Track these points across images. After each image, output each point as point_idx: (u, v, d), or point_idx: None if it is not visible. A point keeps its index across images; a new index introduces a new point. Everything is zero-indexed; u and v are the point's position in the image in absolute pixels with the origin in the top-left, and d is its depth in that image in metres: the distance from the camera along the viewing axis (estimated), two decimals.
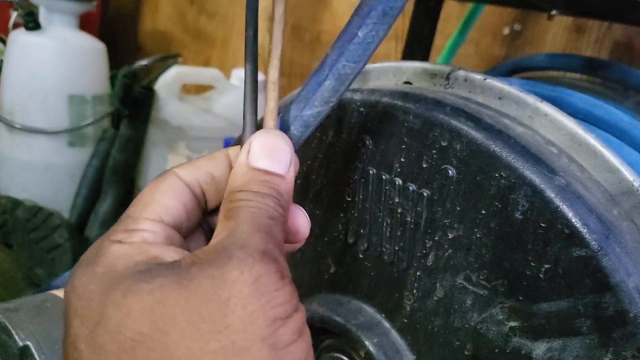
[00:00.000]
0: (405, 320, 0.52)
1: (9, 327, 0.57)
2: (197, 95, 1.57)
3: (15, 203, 1.39)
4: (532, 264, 0.44)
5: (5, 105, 1.53)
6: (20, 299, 0.66)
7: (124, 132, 1.45)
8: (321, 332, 0.56)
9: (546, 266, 0.43)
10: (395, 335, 0.52)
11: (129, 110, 1.39)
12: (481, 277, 0.47)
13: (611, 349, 0.41)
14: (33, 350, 0.56)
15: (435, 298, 0.49)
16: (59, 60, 1.41)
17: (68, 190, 1.56)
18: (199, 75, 1.50)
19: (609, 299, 0.41)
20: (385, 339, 0.52)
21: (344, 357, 0.55)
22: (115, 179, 1.49)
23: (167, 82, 1.42)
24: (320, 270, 0.57)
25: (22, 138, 1.50)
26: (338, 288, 0.56)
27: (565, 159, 0.47)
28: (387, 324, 0.53)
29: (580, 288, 0.42)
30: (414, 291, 0.51)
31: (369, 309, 0.54)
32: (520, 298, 0.45)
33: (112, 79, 1.51)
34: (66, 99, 1.47)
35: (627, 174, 0.46)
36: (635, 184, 0.46)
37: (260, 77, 1.45)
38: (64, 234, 1.27)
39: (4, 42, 1.54)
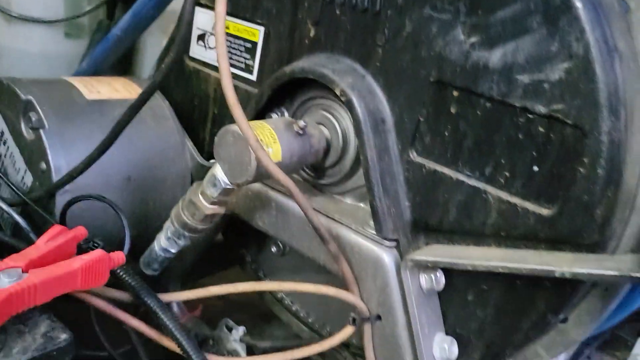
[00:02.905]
0: (378, 64, 0.56)
1: (12, 85, 0.62)
2: None
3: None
4: None
5: None
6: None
7: (119, 18, 1.47)
8: (299, 87, 0.61)
9: None
10: (369, 79, 0.57)
11: None
12: (445, 2, 0.51)
13: (557, 36, 0.45)
14: (35, 103, 0.60)
15: (404, 34, 0.54)
16: None
17: None
18: None
19: None
20: (359, 81, 0.56)
21: (324, 113, 0.60)
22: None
23: None
24: (302, 36, 0.62)
25: (20, 28, 1.52)
26: (318, 48, 0.60)
27: None
28: (362, 70, 0.57)
29: None
30: (386, 31, 0.55)
31: (346, 60, 0.58)
32: (480, 12, 0.49)
33: None
34: None
35: None
36: None
37: None
38: None
39: None
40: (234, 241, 0.79)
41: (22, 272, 0.42)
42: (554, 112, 0.46)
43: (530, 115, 0.48)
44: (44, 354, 0.40)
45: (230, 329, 0.69)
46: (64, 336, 0.42)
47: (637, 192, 0.47)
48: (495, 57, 0.49)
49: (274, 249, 0.73)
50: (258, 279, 0.78)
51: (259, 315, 0.86)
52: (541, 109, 0.47)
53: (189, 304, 0.79)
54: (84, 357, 0.66)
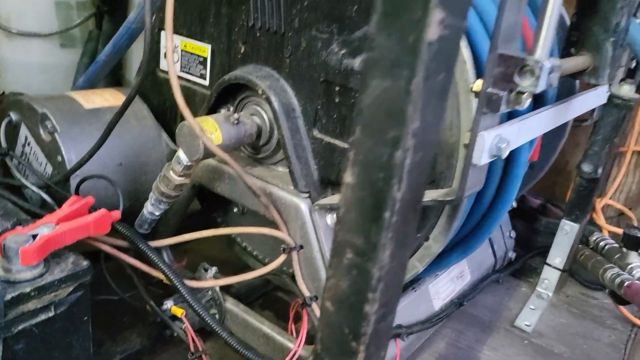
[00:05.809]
0: (287, 70, 0.80)
1: (31, 102, 0.85)
2: None
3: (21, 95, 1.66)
4: (348, 7, 0.71)
5: (1, 13, 1.77)
6: None
7: (107, 29, 1.70)
8: (238, 89, 0.84)
9: (356, 6, 0.70)
10: (282, 81, 0.80)
11: (108, 6, 1.63)
12: (324, 26, 0.74)
13: None
14: (49, 114, 0.84)
15: (301, 48, 0.77)
16: None
17: (64, 87, 1.82)
18: None
19: None
20: (275, 83, 0.80)
21: (255, 107, 0.84)
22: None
23: None
24: (235, 52, 0.85)
25: (20, 42, 1.75)
26: (247, 61, 0.84)
27: None
28: (277, 75, 0.81)
29: None
30: (289, 47, 0.78)
31: (266, 68, 0.82)
32: (345, 32, 0.72)
33: None
34: (53, 5, 1.72)
35: None
36: None
37: None
38: None
39: None
40: (208, 209, 1.03)
41: (55, 224, 0.66)
42: None
43: None
44: (74, 273, 0.64)
45: (206, 270, 0.94)
46: (85, 263, 0.66)
47: (455, 148, 0.71)
48: (357, 62, 0.72)
49: (235, 210, 0.98)
50: (228, 235, 1.02)
51: (234, 269, 1.10)
52: None
53: (177, 256, 1.03)
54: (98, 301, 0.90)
